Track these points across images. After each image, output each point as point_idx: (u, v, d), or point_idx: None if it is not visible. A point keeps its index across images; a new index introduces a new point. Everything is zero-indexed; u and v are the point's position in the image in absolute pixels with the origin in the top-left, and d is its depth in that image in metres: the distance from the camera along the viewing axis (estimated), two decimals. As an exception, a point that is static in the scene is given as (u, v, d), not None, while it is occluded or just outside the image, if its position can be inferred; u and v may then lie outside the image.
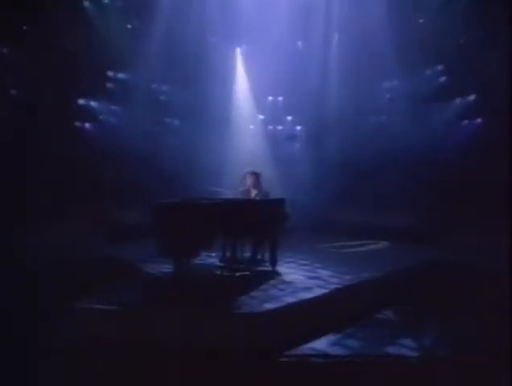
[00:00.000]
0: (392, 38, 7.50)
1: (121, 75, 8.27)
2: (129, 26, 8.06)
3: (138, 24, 7.96)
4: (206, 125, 8.59)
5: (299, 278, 4.87)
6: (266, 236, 5.29)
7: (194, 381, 3.25)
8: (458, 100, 7.53)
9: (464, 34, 7.11)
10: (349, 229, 7.57)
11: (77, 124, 7.85)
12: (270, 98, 9.35)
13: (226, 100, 9.03)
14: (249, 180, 5.54)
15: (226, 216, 4.65)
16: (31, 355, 3.55)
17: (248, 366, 3.29)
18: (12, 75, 7.12)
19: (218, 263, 5.37)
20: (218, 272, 5.13)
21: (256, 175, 5.57)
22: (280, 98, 9.33)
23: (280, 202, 5.41)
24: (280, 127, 9.51)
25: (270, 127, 9.51)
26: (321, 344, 3.66)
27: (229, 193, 5.78)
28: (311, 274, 5.08)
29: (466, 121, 7.44)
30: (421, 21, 7.47)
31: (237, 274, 4.99)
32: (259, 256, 5.44)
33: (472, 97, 7.33)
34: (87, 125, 7.99)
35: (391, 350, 3.61)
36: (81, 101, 7.90)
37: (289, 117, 9.41)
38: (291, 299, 4.07)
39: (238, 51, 9.18)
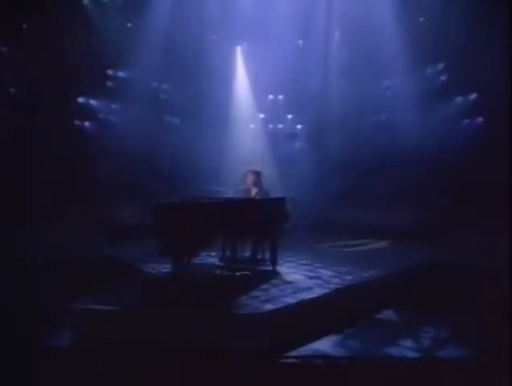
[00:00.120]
0: (393, 36, 7.48)
1: (121, 74, 8.24)
2: (129, 25, 8.02)
3: (137, 22, 7.91)
4: (206, 124, 8.57)
5: (299, 278, 4.84)
6: (266, 235, 5.27)
7: (194, 381, 3.25)
8: (459, 99, 7.51)
9: (464, 32, 7.08)
10: (350, 228, 7.55)
11: (77, 122, 7.83)
12: (271, 97, 9.31)
13: (226, 99, 8.99)
14: (250, 179, 5.53)
15: (226, 215, 4.63)
16: (31, 355, 3.56)
17: (248, 366, 3.29)
18: (11, 73, 7.10)
19: (218, 262, 5.35)
20: (218, 271, 5.11)
21: (256, 174, 5.56)
22: (281, 97, 9.29)
23: (281, 201, 5.39)
24: (281, 126, 9.48)
25: (271, 126, 9.48)
26: (322, 345, 3.67)
27: (229, 192, 5.77)
28: (312, 274, 5.06)
29: (467, 121, 7.41)
30: (421, 19, 7.43)
31: (237, 274, 4.98)
32: (259, 256, 5.43)
33: (473, 96, 7.30)
34: (86, 123, 7.97)
35: (392, 351, 3.61)
36: (81, 100, 7.88)
37: (289, 116, 9.37)
38: (291, 299, 4.05)
39: (239, 49, 9.14)
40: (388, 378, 3.22)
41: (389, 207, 7.52)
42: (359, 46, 8.05)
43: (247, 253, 5.46)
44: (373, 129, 8.44)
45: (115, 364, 3.36)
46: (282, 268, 5.24)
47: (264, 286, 4.48)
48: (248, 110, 9.22)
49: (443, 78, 7.64)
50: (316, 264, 5.52)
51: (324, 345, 3.66)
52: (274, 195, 5.61)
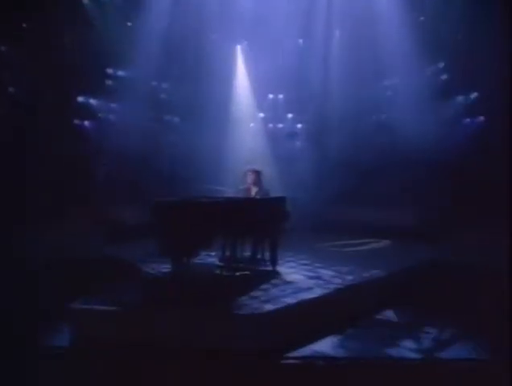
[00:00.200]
0: (393, 35, 7.45)
1: (120, 73, 8.22)
2: (128, 24, 8.00)
3: (137, 22, 7.89)
4: (206, 123, 8.55)
5: (299, 278, 4.83)
6: (266, 235, 5.26)
7: (194, 381, 3.25)
8: (459, 99, 7.48)
9: (465, 31, 7.05)
10: (350, 228, 7.53)
11: (77, 122, 7.82)
12: (271, 96, 9.30)
13: (226, 98, 8.98)
14: (250, 178, 5.52)
15: (226, 215, 4.62)
16: (31, 355, 3.56)
17: (248, 367, 3.29)
18: (11, 73, 7.09)
19: (218, 262, 5.34)
20: (218, 271, 5.10)
21: (256, 173, 5.55)
22: (281, 96, 9.28)
23: (281, 200, 5.38)
24: (281, 125, 9.47)
25: (271, 125, 9.47)
26: (322, 345, 3.66)
27: (229, 191, 5.76)
28: (312, 274, 5.05)
29: (467, 120, 7.39)
30: (422, 18, 7.41)
31: (237, 274, 4.97)
32: (259, 256, 5.42)
33: (473, 95, 7.28)
34: (86, 122, 7.96)
35: (392, 351, 3.61)
36: (81, 99, 7.86)
37: (289, 115, 9.36)
38: (291, 299, 4.03)
39: (239, 48, 9.13)
40: (389, 379, 3.22)
41: (389, 207, 7.51)
42: (359, 45, 8.03)
43: (247, 253, 5.46)
44: (373, 129, 8.43)
45: (115, 364, 3.36)
46: (283, 268, 5.23)
47: (264, 286, 4.47)
48: (248, 109, 9.21)
49: (443, 77, 7.61)
50: (317, 264, 5.51)
51: (325, 346, 3.66)
52: (274, 194, 5.60)
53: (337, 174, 8.11)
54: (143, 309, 3.90)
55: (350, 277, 4.85)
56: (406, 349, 3.63)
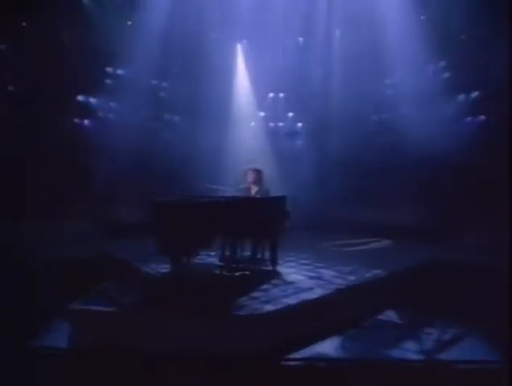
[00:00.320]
0: (394, 34, 7.41)
1: (120, 72, 8.19)
2: (128, 23, 7.96)
3: (137, 20, 7.86)
4: (206, 122, 8.54)
5: (300, 278, 4.81)
6: (266, 234, 5.23)
7: (193, 383, 3.23)
8: (461, 97, 7.44)
9: (466, 29, 7.01)
10: (351, 227, 7.52)
11: (76, 121, 7.80)
12: (271, 95, 9.28)
13: (227, 97, 8.96)
14: (250, 177, 5.50)
15: (226, 214, 4.59)
16: (30, 355, 3.54)
17: (248, 369, 3.27)
18: (11, 72, 7.07)
19: (217, 262, 5.32)
20: (217, 271, 5.08)
21: (257, 172, 5.53)
22: (281, 95, 9.26)
23: (281, 199, 5.36)
24: (281, 124, 9.45)
25: (271, 124, 9.45)
26: (323, 347, 3.63)
27: (229, 190, 5.73)
28: (313, 274, 5.02)
29: (469, 119, 7.35)
30: (423, 17, 7.36)
31: (237, 274, 4.94)
32: (259, 255, 5.40)
33: (475, 94, 7.24)
34: (86, 121, 7.94)
35: (394, 353, 3.58)
36: (80, 98, 7.84)
37: (290, 114, 9.34)
38: (291, 300, 4.00)
39: (239, 47, 9.10)
40: (390, 381, 3.19)
41: (390, 206, 7.48)
42: (360, 44, 7.99)
43: (247, 253, 5.44)
44: (374, 128, 8.40)
45: (114, 365, 3.34)
46: (283, 268, 5.21)
47: (264, 287, 4.44)
48: (248, 108, 9.19)
49: (445, 76, 7.57)
50: (317, 264, 5.48)
51: (326, 347, 3.63)
52: (274, 193, 5.57)
53: (338, 174, 8.09)
54: (142, 310, 3.88)
55: (351, 277, 4.81)
56: (408, 350, 3.61)
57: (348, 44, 8.28)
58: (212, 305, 3.88)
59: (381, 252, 6.42)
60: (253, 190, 5.50)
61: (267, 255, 5.29)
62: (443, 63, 7.60)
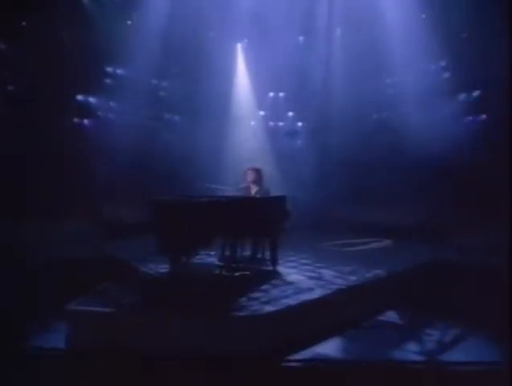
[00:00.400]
0: (395, 33, 7.39)
1: (120, 71, 8.19)
2: (128, 22, 7.95)
3: (136, 20, 7.85)
4: (206, 122, 8.54)
5: (300, 278, 4.79)
6: (266, 234, 5.22)
7: (193, 384, 3.23)
8: (462, 97, 7.42)
9: (467, 29, 6.99)
10: (351, 227, 7.51)
11: (76, 120, 7.80)
12: (271, 94, 9.28)
13: (227, 96, 8.96)
14: (250, 177, 5.49)
15: (226, 214, 4.58)
16: (29, 355, 3.54)
17: (248, 370, 3.26)
18: (10, 71, 7.06)
19: (217, 262, 5.31)
20: (217, 271, 5.06)
21: (257, 172, 5.52)
22: (281, 94, 9.26)
23: (281, 199, 5.34)
24: (281, 123, 9.45)
25: (271, 123, 9.45)
26: (324, 348, 3.62)
27: (229, 190, 5.73)
28: (313, 274, 5.00)
29: (470, 118, 7.33)
30: (423, 16, 7.34)
31: (237, 274, 4.92)
32: (259, 255, 5.38)
33: (476, 93, 7.21)
34: (85, 121, 7.93)
35: (396, 354, 3.56)
36: (80, 97, 7.83)
37: (290, 113, 9.33)
38: (292, 301, 3.98)
39: (239, 46, 9.08)
40: (392, 382, 3.18)
41: (390, 206, 7.47)
42: (360, 43, 7.98)
43: (247, 253, 5.42)
44: (374, 127, 8.39)
45: (114, 365, 3.33)
46: (283, 268, 5.19)
47: (264, 287, 4.42)
48: (248, 107, 9.19)
49: (445, 75, 7.55)
50: (318, 264, 5.46)
51: (326, 348, 3.61)
52: (274, 193, 5.56)
53: (338, 173, 8.08)
54: (142, 309, 3.87)
55: (353, 278, 4.79)
56: (409, 351, 3.58)
57: (348, 43, 8.28)
58: (211, 305, 3.87)
59: (381, 252, 6.40)
60: (253, 189, 5.49)
61: (267, 255, 5.28)
62: (443, 63, 7.58)
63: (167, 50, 7.96)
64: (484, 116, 7.13)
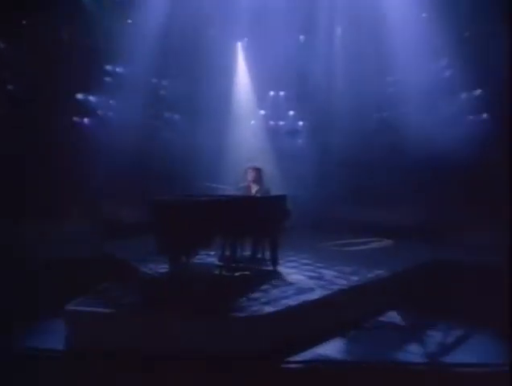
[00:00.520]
0: (395, 32, 7.36)
1: (119, 70, 8.17)
2: (128, 21, 7.93)
3: (136, 18, 7.82)
4: (207, 121, 8.54)
5: (300, 278, 4.77)
6: (266, 233, 5.21)
7: (193, 383, 3.22)
8: (463, 95, 7.39)
9: (468, 27, 6.96)
10: (352, 227, 7.49)
11: (76, 119, 7.79)
12: (272, 93, 9.26)
13: (227, 95, 8.95)
14: (250, 176, 5.48)
15: (226, 214, 4.57)
16: (29, 356, 3.54)
17: (248, 371, 3.25)
18: (10, 70, 7.05)
19: (217, 262, 5.30)
20: (217, 271, 5.05)
21: (257, 171, 5.51)
22: (282, 93, 9.23)
23: (281, 198, 5.33)
24: (282, 122, 9.43)
25: (272, 122, 9.43)
26: (325, 349, 3.60)
27: (229, 189, 5.72)
28: (314, 274, 4.98)
29: (471, 117, 7.30)
30: (424, 15, 7.31)
31: (237, 274, 4.91)
32: (259, 255, 5.37)
33: (477, 92, 7.18)
34: (85, 120, 7.92)
35: (398, 355, 3.54)
36: (79, 96, 7.82)
37: (291, 112, 9.31)
38: (292, 301, 3.95)
39: (239, 45, 9.06)
40: (392, 384, 3.16)
41: (390, 206, 7.45)
42: (361, 42, 7.95)
43: (247, 252, 5.41)
44: (375, 127, 8.37)
45: (113, 366, 3.33)
46: (283, 268, 5.17)
47: (264, 287, 4.40)
48: (249, 106, 9.18)
49: (447, 74, 7.52)
50: (318, 264, 5.44)
51: (327, 349, 3.59)
52: (274, 192, 5.55)
53: (338, 173, 8.07)
54: (142, 309, 3.86)
55: (353, 278, 4.76)
56: (411, 353, 3.55)
57: (349, 42, 8.24)
58: (211, 305, 3.86)
59: (381, 252, 6.38)
60: (254, 189, 5.48)
61: (268, 255, 5.26)
62: (444, 61, 7.54)
63: (166, 49, 7.94)
64: (485, 115, 7.10)
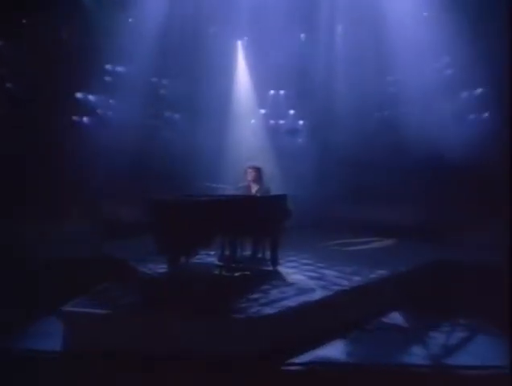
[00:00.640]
0: (396, 30, 7.33)
1: (120, 69, 8.16)
2: (128, 20, 7.91)
3: (137, 17, 7.81)
4: (207, 120, 8.53)
5: (301, 279, 4.75)
6: (266, 233, 5.19)
7: (193, 383, 3.22)
8: (464, 94, 7.36)
9: (470, 26, 6.93)
10: (352, 226, 7.48)
11: (75, 118, 7.78)
12: (272, 92, 9.24)
13: (227, 95, 8.93)
14: (250, 175, 5.46)
15: (226, 213, 4.55)
16: (28, 356, 3.54)
17: (248, 372, 3.24)
18: (9, 69, 7.05)
19: (217, 262, 5.29)
20: (217, 271, 5.04)
21: (257, 170, 5.49)
22: (282, 92, 9.21)
23: (282, 198, 5.30)
24: (282, 121, 9.41)
25: (272, 121, 9.41)
26: (325, 350, 3.59)
27: (229, 188, 5.71)
28: (314, 274, 4.96)
29: (472, 116, 7.28)
30: (425, 14, 7.28)
31: (237, 274, 4.90)
32: (259, 255, 5.36)
33: (479, 91, 7.16)
34: (85, 119, 7.91)
35: (399, 357, 3.53)
36: (79, 95, 7.81)
37: (291, 111, 9.30)
38: (292, 302, 3.93)
39: (239, 44, 9.04)
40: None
41: (391, 205, 7.44)
42: (362, 40, 7.93)
43: (247, 252, 5.40)
44: (375, 126, 8.35)
45: (113, 366, 3.33)
46: (284, 268, 5.15)
47: (264, 287, 4.38)
48: (249, 105, 9.16)
49: (448, 73, 7.49)
50: (319, 264, 5.42)
51: (329, 350, 3.58)
52: (274, 192, 5.53)
53: (339, 172, 8.05)
54: (141, 310, 3.85)
55: (354, 278, 4.72)
56: (414, 354, 3.53)
57: (350, 41, 8.21)
58: (211, 305, 3.85)
59: (382, 252, 6.36)
60: (254, 188, 5.47)
61: (268, 254, 5.25)
62: (446, 60, 7.52)
63: (166, 48, 7.92)
64: (486, 114, 7.08)
